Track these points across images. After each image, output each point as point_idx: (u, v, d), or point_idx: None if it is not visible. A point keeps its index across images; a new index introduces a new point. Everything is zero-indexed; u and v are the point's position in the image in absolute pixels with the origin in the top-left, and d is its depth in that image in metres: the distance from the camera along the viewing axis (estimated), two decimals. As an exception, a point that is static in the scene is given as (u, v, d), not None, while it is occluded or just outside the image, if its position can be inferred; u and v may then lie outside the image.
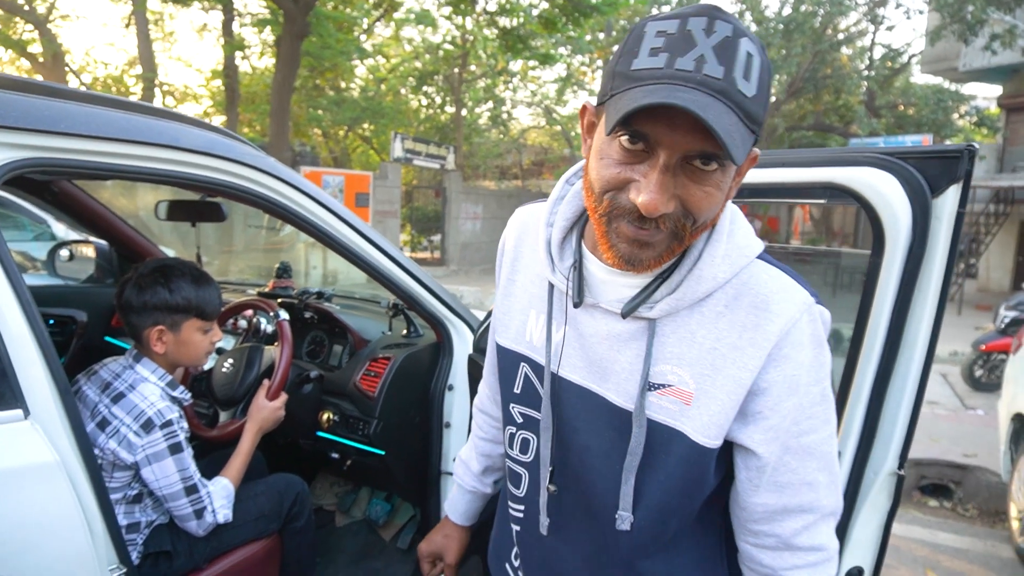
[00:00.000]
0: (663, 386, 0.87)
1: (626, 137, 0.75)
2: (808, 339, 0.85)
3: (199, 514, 1.67)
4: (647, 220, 0.77)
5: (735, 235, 0.87)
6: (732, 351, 0.84)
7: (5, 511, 1.10)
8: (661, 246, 0.80)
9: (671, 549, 0.95)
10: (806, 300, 0.86)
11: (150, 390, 1.65)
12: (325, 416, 2.19)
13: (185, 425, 1.67)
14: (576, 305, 0.92)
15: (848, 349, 1.24)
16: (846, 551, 1.30)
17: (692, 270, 0.85)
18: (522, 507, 1.08)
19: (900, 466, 1.25)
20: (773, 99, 19.32)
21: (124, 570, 1.28)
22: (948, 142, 17.63)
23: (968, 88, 19.96)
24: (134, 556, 1.63)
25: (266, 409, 1.96)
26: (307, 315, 2.48)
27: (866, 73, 19.51)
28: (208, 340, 1.80)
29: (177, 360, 1.77)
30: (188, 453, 1.65)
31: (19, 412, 1.12)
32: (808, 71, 18.13)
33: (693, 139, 0.72)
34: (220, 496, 1.74)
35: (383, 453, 2.10)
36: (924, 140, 16.78)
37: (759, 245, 0.89)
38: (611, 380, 0.91)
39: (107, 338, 2.70)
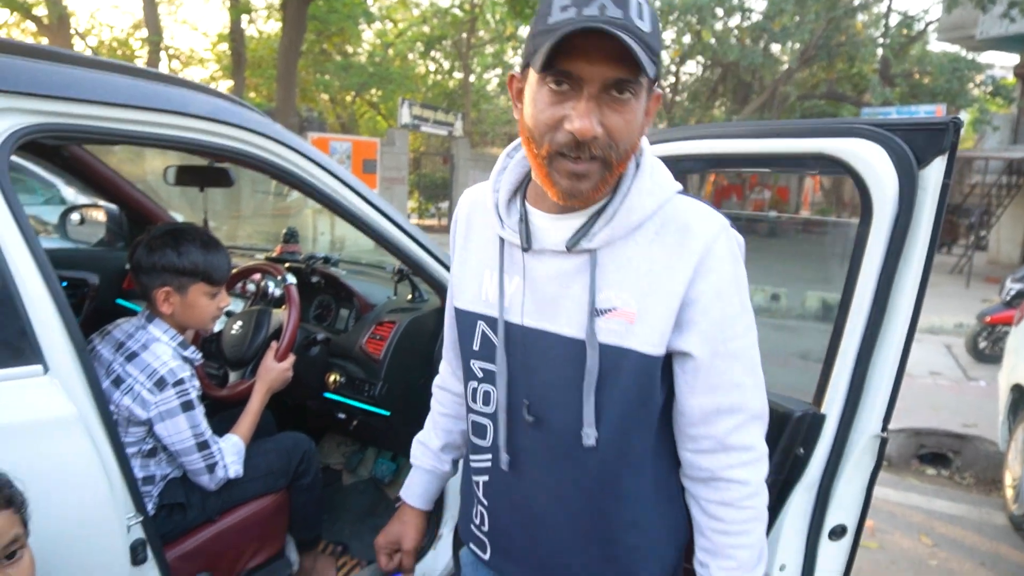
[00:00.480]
0: (609, 310, 0.99)
1: (553, 80, 0.90)
2: (727, 254, 0.99)
3: (211, 469, 1.74)
4: (582, 148, 0.91)
5: (655, 174, 1.02)
6: (665, 270, 0.98)
7: (30, 461, 1.16)
8: (596, 176, 0.94)
9: (634, 469, 1.06)
10: (722, 222, 1.00)
11: (162, 350, 1.70)
12: (332, 378, 2.24)
13: (197, 384, 1.73)
14: (525, 250, 1.04)
15: (836, 315, 1.28)
16: (831, 509, 1.35)
17: (623, 202, 0.99)
18: (489, 456, 1.14)
19: (883, 428, 1.29)
20: (785, 67, 19.15)
21: (141, 518, 1.34)
22: (963, 112, 17.37)
23: (985, 57, 19.57)
24: (149, 507, 1.70)
25: (274, 370, 2.02)
26: (314, 280, 2.53)
27: (881, 41, 19.12)
28: (215, 305, 1.84)
29: (183, 322, 1.81)
30: (200, 411, 1.71)
31: (39, 368, 1.18)
32: (822, 38, 17.79)
33: (610, 68, 0.88)
34: (231, 452, 1.81)
35: (388, 414, 2.16)
36: (938, 110, 16.51)
37: (677, 184, 1.03)
38: (562, 315, 1.02)
39: (119, 301, 2.76)
